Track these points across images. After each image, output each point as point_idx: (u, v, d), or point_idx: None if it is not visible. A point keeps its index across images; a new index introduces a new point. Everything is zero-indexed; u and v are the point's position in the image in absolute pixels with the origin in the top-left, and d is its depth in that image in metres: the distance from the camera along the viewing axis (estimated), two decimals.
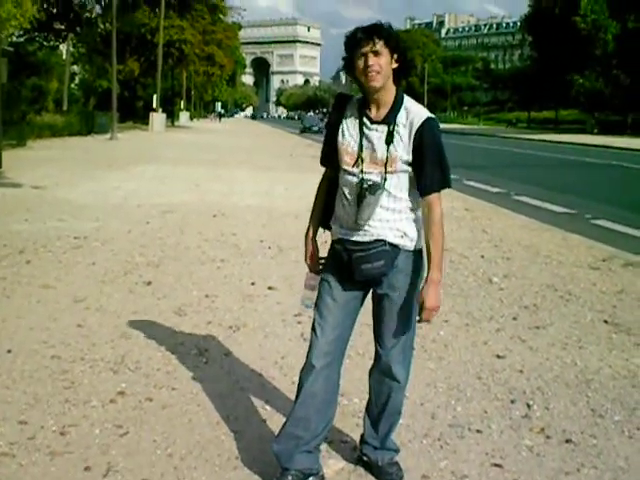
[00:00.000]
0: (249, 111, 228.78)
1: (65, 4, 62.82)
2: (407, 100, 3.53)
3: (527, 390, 5.14)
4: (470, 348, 6.05)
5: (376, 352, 3.75)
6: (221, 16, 73.18)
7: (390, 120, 3.46)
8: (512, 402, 4.92)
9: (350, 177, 3.52)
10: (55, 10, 62.59)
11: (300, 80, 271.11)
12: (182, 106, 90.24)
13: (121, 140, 38.36)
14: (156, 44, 57.44)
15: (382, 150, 3.45)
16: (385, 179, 3.45)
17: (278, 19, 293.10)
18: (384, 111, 3.49)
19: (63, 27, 64.09)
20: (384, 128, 3.46)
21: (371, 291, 3.68)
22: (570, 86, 74.33)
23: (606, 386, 5.27)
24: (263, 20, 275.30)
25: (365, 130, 3.50)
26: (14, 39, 49.83)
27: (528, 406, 4.86)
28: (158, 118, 54.87)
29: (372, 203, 3.45)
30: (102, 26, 64.60)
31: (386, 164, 3.45)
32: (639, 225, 13.16)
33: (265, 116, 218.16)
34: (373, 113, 3.50)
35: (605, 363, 5.76)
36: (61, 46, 68.71)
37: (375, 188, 3.44)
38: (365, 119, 3.51)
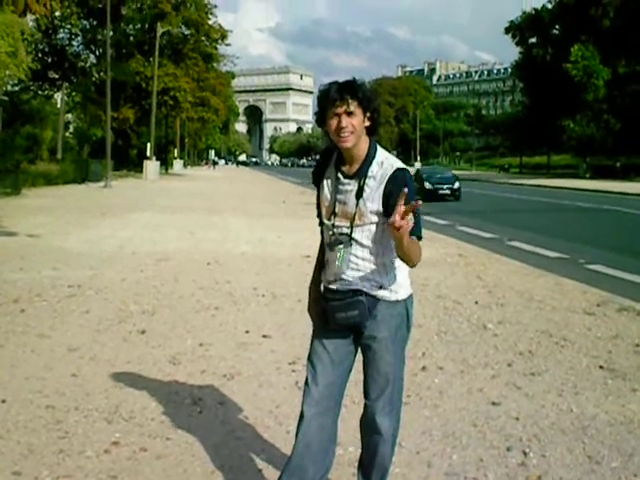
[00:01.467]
0: (242, 158, 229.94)
1: (60, 54, 63.53)
2: (380, 153, 3.55)
3: (523, 437, 5.10)
4: (465, 395, 6.02)
5: (364, 402, 3.75)
6: (215, 64, 73.97)
7: (361, 174, 3.49)
8: (508, 450, 4.88)
9: (327, 230, 3.60)
10: (50, 59, 63.25)
11: (293, 127, 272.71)
12: (176, 154, 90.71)
13: (115, 188, 38.48)
14: (150, 92, 57.86)
15: (352, 204, 3.49)
16: (352, 232, 3.49)
17: (271, 67, 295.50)
18: (356, 166, 3.52)
19: (58, 76, 64.73)
20: (355, 182, 3.50)
21: None
22: (562, 131, 74.82)
23: (603, 432, 5.23)
24: (256, 68, 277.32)
25: (339, 185, 3.55)
26: (9, 88, 50.19)
27: (524, 454, 4.82)
28: (152, 166, 55.09)
29: (341, 255, 3.51)
30: (96, 75, 65.23)
31: (354, 217, 3.48)
32: (633, 269, 13.14)
33: (258, 163, 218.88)
34: (347, 168, 3.54)
35: (601, 409, 5.73)
36: (55, 95, 69.24)
37: (341, 240, 3.51)
38: (339, 174, 3.56)
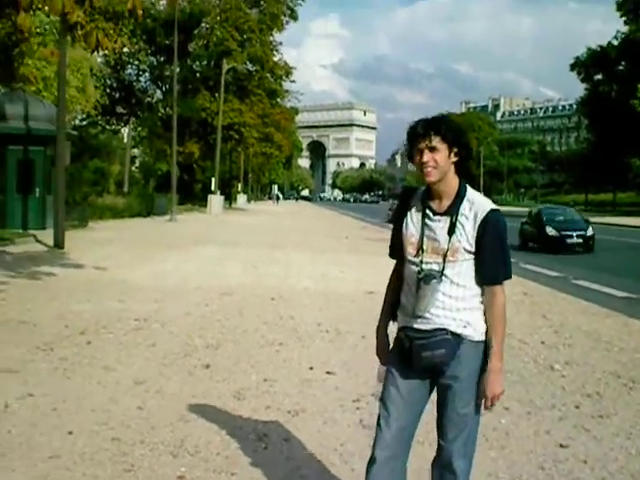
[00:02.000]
0: (305, 194, 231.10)
1: (127, 89, 64.96)
2: (470, 192, 3.57)
3: None
4: (532, 437, 5.92)
5: (438, 444, 3.69)
6: (279, 100, 74.72)
7: (453, 212, 3.50)
8: None
9: (412, 267, 3.56)
10: (118, 95, 64.64)
11: (356, 163, 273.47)
12: (240, 189, 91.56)
13: (180, 222, 38.98)
14: (215, 127, 58.65)
15: (444, 240, 3.49)
16: (444, 268, 3.48)
17: (334, 103, 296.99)
18: (446, 203, 3.53)
19: (125, 111, 66.09)
20: (447, 219, 3.50)
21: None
22: (628, 168, 73.89)
23: None
24: (319, 104, 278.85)
25: (427, 221, 3.55)
26: (77, 122, 51.35)
27: None
28: (216, 200, 55.67)
29: (428, 292, 3.47)
30: (163, 110, 66.38)
31: (446, 254, 3.48)
32: None
33: (321, 198, 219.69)
34: (435, 204, 3.55)
35: None
36: (122, 129, 70.66)
37: (430, 278, 3.47)
38: (428, 210, 3.56)
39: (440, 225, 3.52)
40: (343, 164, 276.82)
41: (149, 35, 57.24)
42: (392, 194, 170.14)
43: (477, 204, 3.52)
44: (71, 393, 6.70)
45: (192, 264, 18.19)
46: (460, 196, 3.53)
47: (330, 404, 6.63)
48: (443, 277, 3.48)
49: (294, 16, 69.79)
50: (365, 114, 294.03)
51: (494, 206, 3.53)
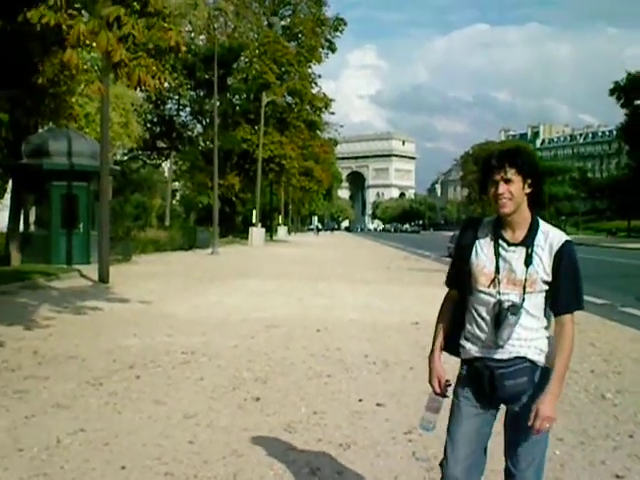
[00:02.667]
0: (345, 224, 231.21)
1: (168, 124, 65.62)
2: (542, 223, 3.62)
3: None
4: (587, 468, 5.84)
5: (508, 472, 3.70)
6: (318, 132, 75.01)
7: (528, 242, 3.55)
8: None
9: (486, 297, 3.59)
10: (158, 129, 65.32)
11: (395, 193, 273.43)
12: (280, 220, 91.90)
13: (222, 255, 39.16)
14: (256, 159, 59.06)
15: (521, 271, 3.53)
16: (524, 299, 3.52)
17: (373, 134, 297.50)
18: (520, 233, 3.58)
19: (166, 145, 66.74)
20: (522, 250, 3.55)
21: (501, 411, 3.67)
22: None
23: None
24: (358, 135, 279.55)
25: (502, 252, 3.59)
26: (119, 157, 52.01)
27: None
28: (257, 233, 55.93)
29: (512, 323, 3.50)
30: (203, 144, 66.98)
31: (525, 285, 3.51)
32: None
33: (361, 229, 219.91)
34: (509, 235, 3.59)
35: None
36: (163, 163, 71.33)
37: (516, 308, 3.50)
38: (501, 241, 3.60)
39: (515, 256, 3.56)
40: (383, 194, 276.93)
41: (189, 70, 57.90)
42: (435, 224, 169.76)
43: (552, 235, 3.57)
44: (122, 428, 6.72)
45: (236, 297, 18.23)
46: (534, 227, 3.59)
47: (382, 436, 6.58)
48: (522, 308, 3.52)
49: (332, 48, 70.25)
50: (404, 144, 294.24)
51: (568, 237, 3.58)
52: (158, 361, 9.81)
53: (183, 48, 10.00)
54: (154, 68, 9.32)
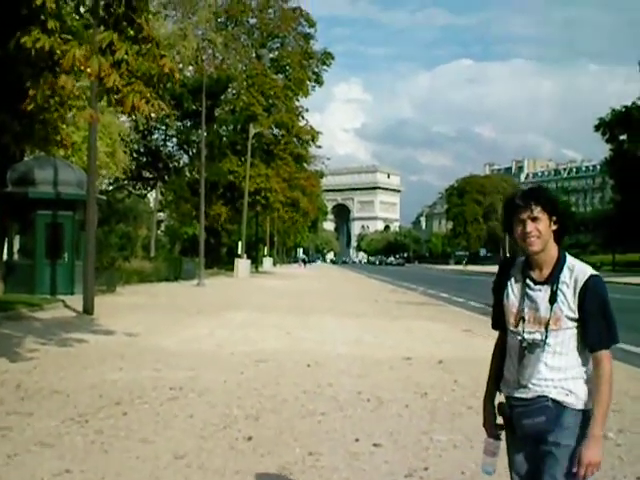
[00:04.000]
0: (330, 256, 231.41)
1: (154, 154, 65.41)
2: (569, 259, 3.59)
3: None
4: None
5: None
6: (305, 164, 74.98)
7: (553, 280, 3.51)
8: None
9: (514, 337, 3.60)
10: (145, 159, 65.07)
11: (380, 226, 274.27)
12: (265, 252, 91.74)
13: (208, 286, 38.87)
14: (242, 190, 58.94)
15: (545, 309, 3.49)
16: (547, 337, 3.48)
17: (358, 166, 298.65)
18: (547, 271, 3.55)
19: (152, 176, 66.50)
20: (547, 288, 3.51)
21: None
22: None
23: None
24: (344, 168, 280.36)
25: (528, 291, 3.57)
26: (104, 187, 51.73)
27: None
28: (243, 264, 55.69)
29: (531, 362, 3.51)
30: (189, 174, 66.77)
31: (549, 322, 3.48)
32: None
33: (344, 261, 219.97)
34: (536, 274, 3.58)
35: None
36: (148, 194, 71.09)
37: (534, 347, 3.50)
38: (528, 280, 3.58)
39: (541, 295, 3.53)
40: (368, 227, 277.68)
41: (177, 100, 57.60)
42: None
43: (577, 270, 3.52)
44: (110, 468, 6.43)
45: (224, 330, 17.96)
46: (560, 264, 3.55)
47: (381, 479, 6.33)
48: (546, 346, 3.49)
49: (319, 81, 70.37)
50: (389, 177, 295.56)
51: (594, 271, 3.52)
52: (145, 397, 9.52)
53: (177, 75, 9.82)
54: (148, 94, 9.13)
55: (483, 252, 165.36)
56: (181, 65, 56.88)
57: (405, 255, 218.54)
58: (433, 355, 14.02)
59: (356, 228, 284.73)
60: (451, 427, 8.17)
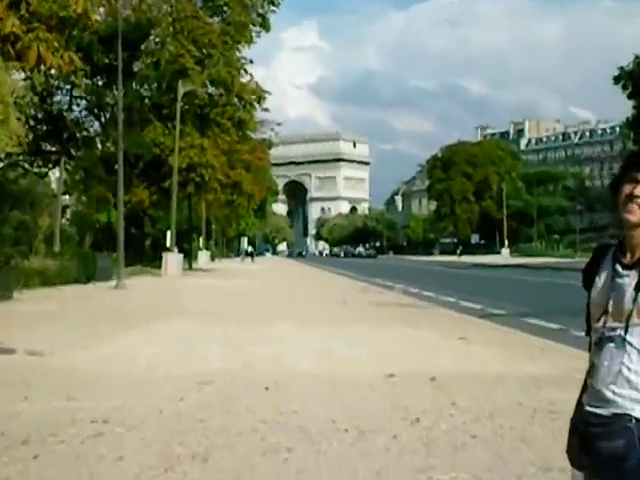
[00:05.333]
0: (282, 248, 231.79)
1: (56, 121, 64.29)
2: None
3: None
4: None
5: None
6: (249, 132, 74.57)
7: None
8: None
9: (594, 334, 3.53)
10: (45, 128, 63.93)
11: (345, 207, 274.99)
12: (201, 244, 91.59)
13: (131, 288, 38.75)
14: (171, 167, 58.62)
15: (629, 299, 3.38)
16: (626, 332, 3.38)
17: (315, 133, 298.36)
18: (639, 253, 3.44)
19: (54, 149, 65.41)
20: (635, 274, 3.41)
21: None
22: None
23: None
24: (297, 135, 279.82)
25: (616, 278, 3.47)
26: None
27: None
28: (174, 259, 55.60)
29: (610, 365, 3.40)
30: (102, 147, 66.30)
31: (631, 314, 3.37)
32: None
33: (300, 253, 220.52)
34: (627, 258, 3.48)
35: None
36: (50, 172, 70.12)
37: (612, 345, 3.41)
38: (617, 265, 3.48)
39: (627, 281, 3.42)
40: (329, 209, 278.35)
41: (84, 52, 56.93)
42: None
43: None
44: None
45: (154, 345, 17.88)
46: None
47: None
48: (627, 345, 3.38)
49: (266, 26, 69.77)
50: (355, 146, 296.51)
51: None
52: (61, 434, 9.38)
53: (93, 17, 9.67)
54: (56, 44, 8.96)
55: (475, 239, 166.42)
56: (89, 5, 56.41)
57: (377, 244, 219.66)
58: (423, 370, 14.03)
59: (314, 211, 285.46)
60: (453, 462, 8.13)
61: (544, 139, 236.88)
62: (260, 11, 69.40)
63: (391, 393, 11.97)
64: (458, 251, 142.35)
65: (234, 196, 72.07)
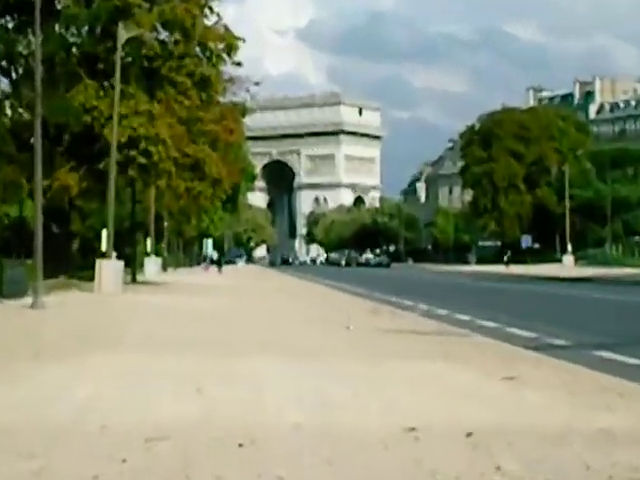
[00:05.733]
0: (261, 253, 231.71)
1: None
2: None
3: None
4: None
5: None
6: (216, 94, 74.29)
7: None
8: None
9: None
10: None
11: (347, 198, 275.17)
12: (149, 248, 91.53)
13: (52, 308, 38.75)
14: (107, 142, 58.51)
15: None
16: None
17: (307, 96, 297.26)
18: None
19: None
20: None
21: None
22: None
23: None
24: (282, 98, 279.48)
25: None
26: None
27: None
28: (111, 269, 55.46)
29: None
30: (12, 114, 66.23)
31: None
32: None
33: (289, 260, 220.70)
34: None
35: None
36: None
37: None
38: None
39: None
40: (325, 200, 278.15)
41: None
42: None
43: None
44: None
45: (87, 385, 17.90)
46: None
47: None
48: None
49: None
50: (361, 113, 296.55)
51: None
52: None
53: None
54: None
55: (526, 242, 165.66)
56: None
57: (391, 249, 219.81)
58: (455, 423, 14.07)
59: (305, 203, 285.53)
60: None
61: (621, 105, 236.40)
62: None
63: (412, 454, 11.95)
64: (506, 258, 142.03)
65: (194, 182, 71.74)
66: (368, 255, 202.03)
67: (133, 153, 62.59)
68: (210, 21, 68.37)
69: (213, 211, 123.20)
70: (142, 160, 63.64)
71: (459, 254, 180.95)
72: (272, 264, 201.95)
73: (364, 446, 12.60)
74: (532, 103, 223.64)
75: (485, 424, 13.95)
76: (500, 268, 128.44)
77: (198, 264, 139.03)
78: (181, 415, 14.85)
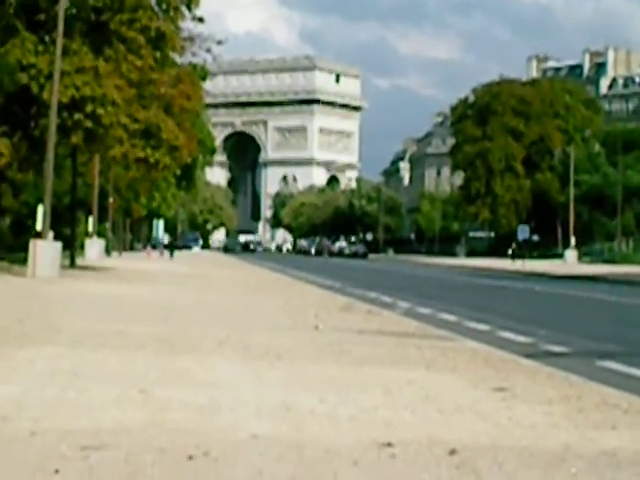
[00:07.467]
0: (219, 237, 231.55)
1: None
2: None
3: None
4: None
5: None
6: (172, 53, 74.15)
7: None
8: None
9: None
10: None
11: (320, 177, 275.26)
12: (91, 228, 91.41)
13: None
14: (46, 105, 58.40)
15: None
16: None
17: (276, 59, 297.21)
18: None
19: None
20: None
21: None
22: None
23: None
24: (247, 61, 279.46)
25: None
26: None
27: None
28: (47, 251, 55.40)
29: None
30: None
31: None
32: None
33: (251, 247, 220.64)
34: None
35: None
36: None
37: None
38: None
39: None
40: (295, 179, 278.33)
41: None
42: None
43: None
44: None
45: (14, 384, 17.89)
46: None
47: None
48: None
49: None
50: (338, 80, 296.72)
51: None
52: None
53: None
54: None
55: (522, 233, 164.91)
56: None
57: (369, 237, 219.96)
58: (437, 438, 14.06)
59: (271, 182, 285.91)
60: None
61: (636, 79, 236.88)
62: None
63: (387, 472, 11.94)
64: (510, 250, 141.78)
65: (146, 150, 71.06)
66: (342, 243, 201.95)
67: (78, 116, 61.98)
68: None
69: (166, 187, 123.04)
70: (89, 124, 62.99)
71: (446, 245, 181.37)
72: (230, 250, 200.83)
73: (333, 464, 12.53)
74: (535, 74, 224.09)
75: (470, 441, 13.94)
76: (505, 262, 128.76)
77: (146, 248, 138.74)
78: (122, 421, 14.80)
